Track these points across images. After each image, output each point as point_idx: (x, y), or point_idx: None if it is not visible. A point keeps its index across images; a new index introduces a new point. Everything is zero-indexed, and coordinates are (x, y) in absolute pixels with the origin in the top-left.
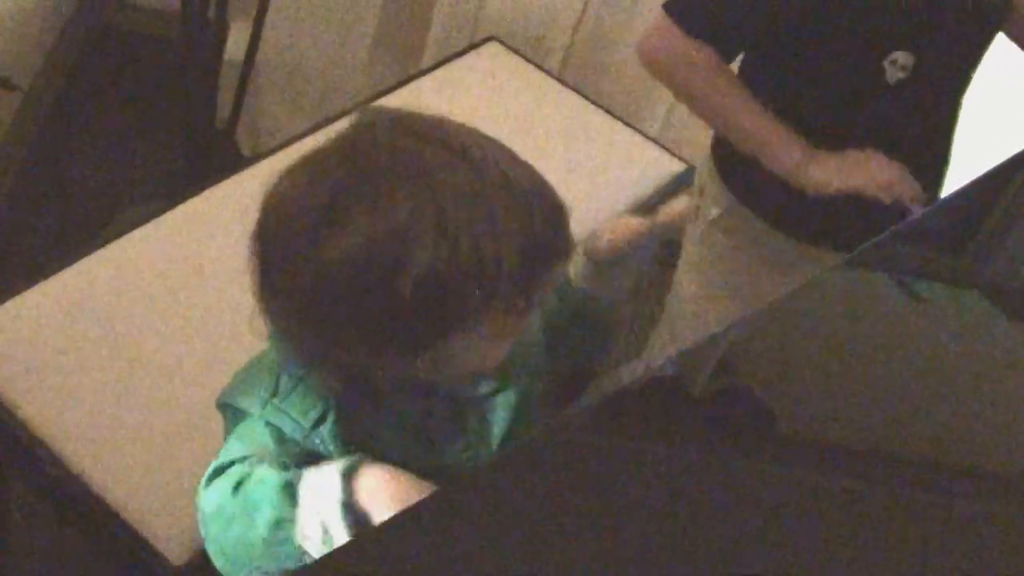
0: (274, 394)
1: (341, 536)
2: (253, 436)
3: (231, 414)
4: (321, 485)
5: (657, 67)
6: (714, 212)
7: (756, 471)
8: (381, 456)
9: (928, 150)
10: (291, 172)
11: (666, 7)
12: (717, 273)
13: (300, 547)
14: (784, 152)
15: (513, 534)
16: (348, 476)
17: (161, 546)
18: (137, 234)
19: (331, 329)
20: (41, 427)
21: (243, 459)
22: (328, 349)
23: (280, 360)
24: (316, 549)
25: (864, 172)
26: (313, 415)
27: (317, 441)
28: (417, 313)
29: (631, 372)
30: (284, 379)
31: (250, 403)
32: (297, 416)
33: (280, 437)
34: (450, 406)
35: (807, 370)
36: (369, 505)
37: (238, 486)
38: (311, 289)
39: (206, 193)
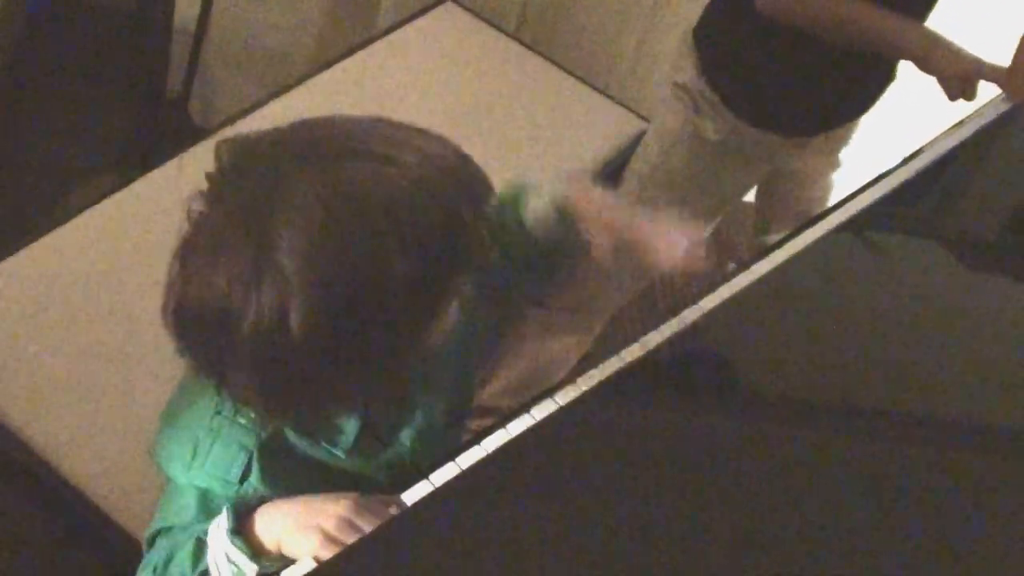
0: (194, 456)
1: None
2: (180, 503)
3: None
4: (218, 526)
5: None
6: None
7: (729, 429)
8: (310, 485)
9: None
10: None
11: None
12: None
13: None
14: (911, 40)
15: (506, 515)
16: (240, 515)
17: (128, 524)
18: (94, 211)
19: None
20: (3, 408)
21: (168, 530)
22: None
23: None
24: None
25: (973, 63)
26: (236, 471)
27: (250, 491)
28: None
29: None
30: (201, 435)
31: (175, 469)
32: (222, 475)
33: (205, 501)
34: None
35: (784, 332)
36: (264, 535)
37: (160, 566)
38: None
39: (161, 169)
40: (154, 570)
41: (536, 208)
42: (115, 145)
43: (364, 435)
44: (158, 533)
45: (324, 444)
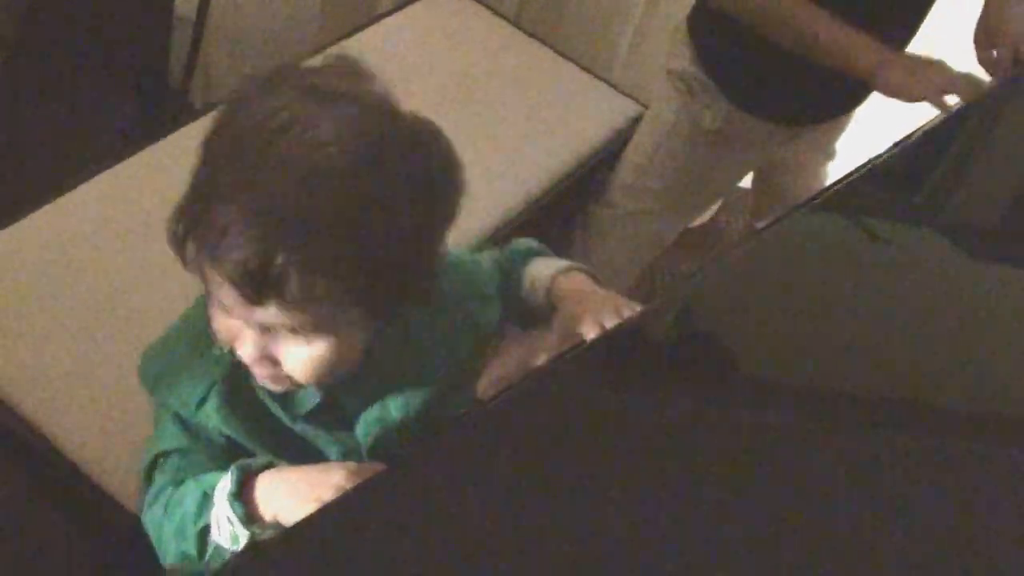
0: (167, 374)
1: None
2: (168, 430)
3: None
4: (223, 487)
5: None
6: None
7: (720, 414)
8: (260, 433)
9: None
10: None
11: None
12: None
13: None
14: (860, 58)
15: (482, 487)
16: (243, 480)
17: (120, 495)
18: (93, 183)
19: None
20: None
21: (165, 455)
22: None
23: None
24: (230, 547)
25: (930, 82)
26: (196, 397)
27: (204, 419)
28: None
29: None
30: (178, 357)
31: (148, 383)
32: (186, 399)
33: (188, 428)
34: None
35: (768, 312)
36: (262, 503)
37: (168, 508)
38: None
39: (161, 143)
40: (165, 508)
41: (537, 273)
42: (117, 133)
43: (322, 408)
44: (154, 463)
45: (278, 403)
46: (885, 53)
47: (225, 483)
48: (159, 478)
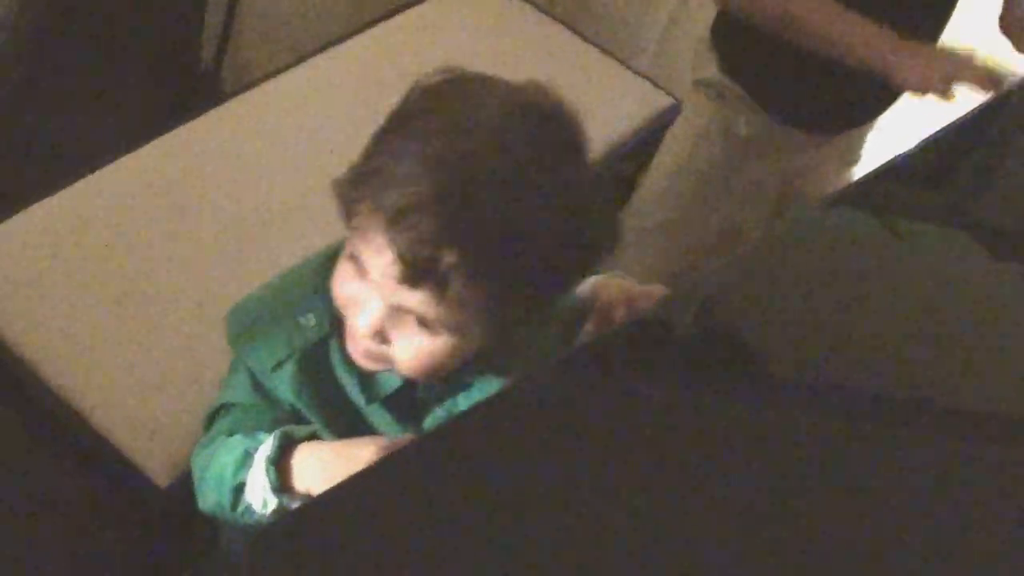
0: (251, 328)
1: (272, 502)
2: (236, 380)
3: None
4: (264, 449)
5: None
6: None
7: (739, 411)
8: (328, 409)
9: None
10: None
11: None
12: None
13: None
14: (875, 51)
15: (499, 477)
16: (284, 447)
17: (147, 468)
18: (121, 163)
19: None
20: (28, 351)
21: (229, 407)
22: None
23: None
24: (260, 511)
25: (946, 74)
26: (273, 361)
27: (277, 383)
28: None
29: None
30: (267, 316)
31: (232, 334)
32: (264, 357)
33: (257, 383)
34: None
35: (791, 308)
36: (297, 473)
37: (215, 456)
38: None
39: (190, 124)
40: (212, 455)
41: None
42: (147, 114)
43: (399, 394)
44: (218, 411)
45: (358, 382)
46: (901, 44)
47: (267, 447)
48: (218, 425)
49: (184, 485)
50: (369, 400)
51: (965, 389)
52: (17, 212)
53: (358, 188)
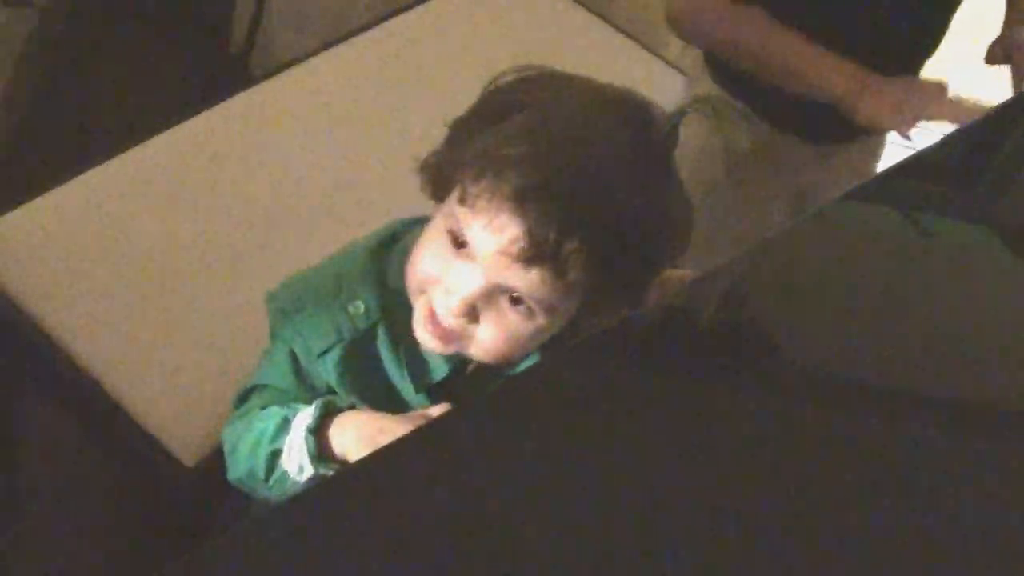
0: (297, 312)
1: (308, 467)
2: (275, 360)
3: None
4: (303, 418)
5: (687, 24)
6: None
7: (759, 404)
8: (372, 398)
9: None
10: None
11: None
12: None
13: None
14: (834, 84)
15: (517, 463)
16: (323, 416)
17: (174, 448)
18: (150, 144)
19: None
20: (57, 330)
21: (265, 388)
22: None
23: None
24: (295, 477)
25: (907, 112)
26: (320, 347)
27: (321, 369)
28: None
29: None
30: (314, 301)
31: (276, 312)
32: (309, 342)
33: (297, 366)
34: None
35: (813, 303)
36: (335, 442)
37: (251, 423)
38: None
39: (218, 108)
40: (248, 423)
41: None
42: (177, 102)
43: (447, 382)
44: (252, 390)
45: (407, 370)
46: (861, 77)
47: (306, 415)
48: (253, 400)
49: (211, 464)
50: (417, 389)
51: (989, 387)
52: (47, 192)
53: (466, 167)
